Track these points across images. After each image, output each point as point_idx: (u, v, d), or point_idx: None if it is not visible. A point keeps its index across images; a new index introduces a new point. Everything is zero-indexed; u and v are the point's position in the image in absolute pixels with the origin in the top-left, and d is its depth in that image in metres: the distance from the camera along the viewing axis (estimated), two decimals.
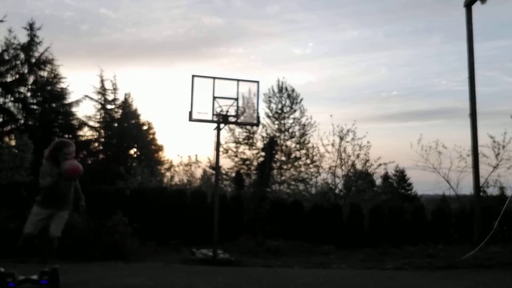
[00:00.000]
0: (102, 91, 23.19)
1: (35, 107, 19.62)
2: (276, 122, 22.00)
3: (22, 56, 19.35)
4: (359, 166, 13.35)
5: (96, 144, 22.82)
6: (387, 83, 49.94)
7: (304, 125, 21.81)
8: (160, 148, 27.40)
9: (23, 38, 19.50)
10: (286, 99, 22.18)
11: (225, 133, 20.73)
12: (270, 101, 22.13)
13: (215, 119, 8.42)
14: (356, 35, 35.64)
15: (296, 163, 21.12)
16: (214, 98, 8.43)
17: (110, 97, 23.49)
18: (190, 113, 8.25)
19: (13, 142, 14.03)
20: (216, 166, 8.70)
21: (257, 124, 10.05)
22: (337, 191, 13.34)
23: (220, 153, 9.89)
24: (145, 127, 26.43)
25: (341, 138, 13.35)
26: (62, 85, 20.18)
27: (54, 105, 19.80)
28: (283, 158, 21.25)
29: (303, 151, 21.33)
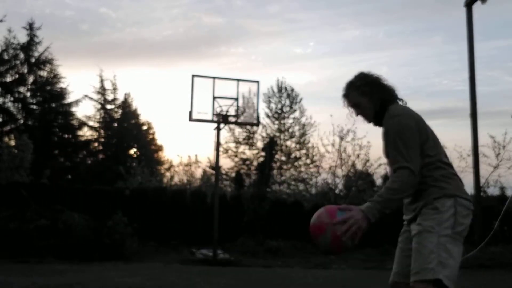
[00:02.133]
0: (102, 91, 23.17)
1: (34, 107, 19.62)
2: (276, 122, 22.01)
3: (21, 56, 19.34)
4: (359, 166, 13.31)
5: (96, 144, 22.81)
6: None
7: (304, 125, 21.81)
8: (160, 148, 27.41)
9: (22, 38, 19.49)
10: (286, 99, 22.18)
11: (225, 133, 20.72)
12: (269, 101, 22.14)
13: (215, 119, 8.42)
14: (357, 35, 35.63)
15: (296, 163, 21.12)
16: (214, 98, 8.43)
17: (109, 97, 23.47)
18: (190, 113, 8.25)
19: (12, 142, 14.03)
20: (216, 166, 8.71)
21: (257, 124, 10.06)
22: (337, 191, 13.31)
23: (220, 153, 9.89)
24: (145, 127, 26.44)
25: (341, 138, 13.33)
26: (62, 85, 20.18)
27: (53, 105, 19.79)
28: (283, 158, 21.26)
29: (303, 151, 21.34)
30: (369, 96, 2.11)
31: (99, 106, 23.05)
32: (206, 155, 29.34)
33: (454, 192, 1.97)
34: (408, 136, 1.99)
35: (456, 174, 2.09)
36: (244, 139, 21.61)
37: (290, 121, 22.06)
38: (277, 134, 21.58)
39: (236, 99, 8.55)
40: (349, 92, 2.16)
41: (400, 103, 2.17)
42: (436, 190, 1.98)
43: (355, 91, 2.14)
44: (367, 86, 2.12)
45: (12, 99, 18.99)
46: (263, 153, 19.40)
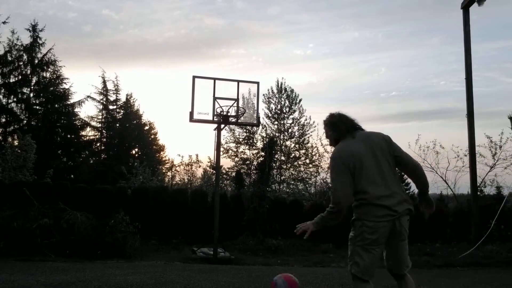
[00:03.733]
0: (104, 91, 23.32)
1: (38, 107, 19.79)
2: (276, 122, 22.10)
3: (25, 57, 19.51)
4: None
5: (98, 144, 22.96)
6: (387, 84, 49.94)
7: (303, 125, 21.91)
8: (161, 148, 27.57)
9: (26, 39, 19.71)
10: (285, 99, 22.28)
11: (225, 133, 20.84)
12: (269, 102, 22.24)
13: (215, 119, 8.52)
14: (356, 36, 35.71)
15: (295, 163, 21.22)
16: (215, 98, 8.53)
17: (112, 97, 23.64)
18: (191, 113, 8.34)
19: (16, 142, 14.16)
20: (216, 166, 8.80)
21: (257, 125, 10.15)
22: None
23: (221, 153, 9.98)
24: (146, 128, 26.58)
25: None
26: (65, 86, 20.38)
27: (56, 105, 19.96)
28: (283, 158, 21.36)
29: (303, 151, 21.43)
30: None
31: (101, 106, 23.20)
32: (206, 155, 29.50)
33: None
34: None
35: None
36: (244, 139, 21.71)
37: (290, 121, 22.18)
38: (277, 134, 21.68)
39: (237, 99, 8.65)
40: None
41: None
42: None
43: None
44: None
45: (15, 99, 19.16)
46: (263, 153, 19.46)
